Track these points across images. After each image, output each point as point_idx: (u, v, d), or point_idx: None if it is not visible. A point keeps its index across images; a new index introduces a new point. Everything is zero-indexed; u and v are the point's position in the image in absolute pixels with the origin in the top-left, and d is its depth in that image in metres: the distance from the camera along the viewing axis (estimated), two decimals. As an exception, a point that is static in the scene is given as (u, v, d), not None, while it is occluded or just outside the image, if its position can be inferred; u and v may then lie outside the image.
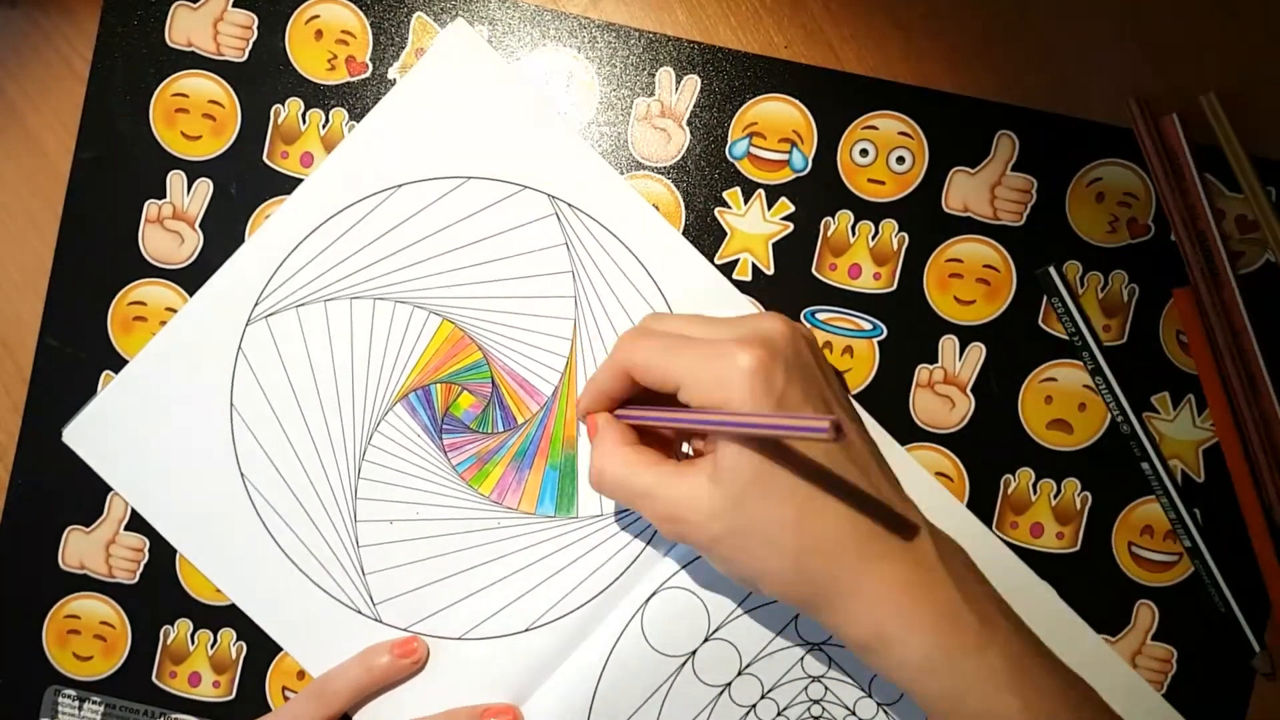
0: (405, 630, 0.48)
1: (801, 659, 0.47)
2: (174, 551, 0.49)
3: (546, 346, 0.48)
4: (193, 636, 0.49)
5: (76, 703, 0.49)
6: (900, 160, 0.48)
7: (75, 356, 0.49)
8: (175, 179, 0.49)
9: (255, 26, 0.49)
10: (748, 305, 0.48)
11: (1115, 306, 0.48)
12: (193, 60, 0.49)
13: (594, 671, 0.47)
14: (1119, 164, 0.48)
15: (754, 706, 0.47)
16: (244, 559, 0.48)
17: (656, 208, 0.48)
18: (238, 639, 0.49)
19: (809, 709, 0.47)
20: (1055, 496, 0.48)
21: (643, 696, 0.47)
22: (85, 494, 0.49)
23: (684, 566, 0.48)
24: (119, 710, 0.49)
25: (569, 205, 0.48)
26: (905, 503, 0.42)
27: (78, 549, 0.49)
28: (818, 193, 0.48)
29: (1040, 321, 0.48)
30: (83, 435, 0.48)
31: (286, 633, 0.48)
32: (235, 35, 0.49)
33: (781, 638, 0.47)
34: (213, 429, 0.48)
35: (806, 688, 0.47)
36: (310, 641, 0.48)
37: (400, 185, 0.48)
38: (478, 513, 0.48)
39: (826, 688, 0.47)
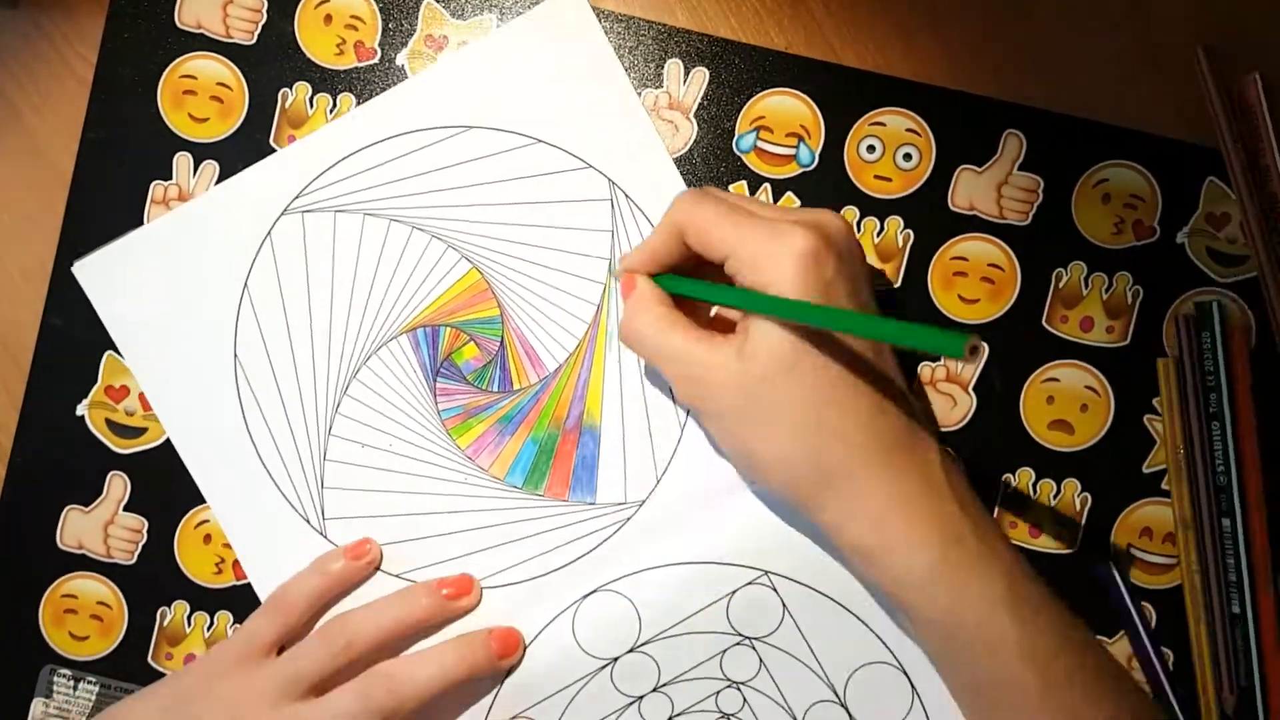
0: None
1: (718, 693, 0.47)
2: (173, 533, 0.49)
3: (563, 323, 0.48)
4: (189, 618, 0.49)
5: (72, 683, 0.49)
6: (907, 157, 0.48)
7: (78, 336, 0.49)
8: (182, 160, 0.49)
9: (265, 9, 0.49)
10: None
11: (1119, 308, 0.48)
12: (202, 42, 0.49)
13: None
14: (1126, 165, 0.48)
15: None
16: (214, 436, 0.48)
17: (662, 199, 0.48)
18: (234, 622, 0.49)
19: None
20: (1055, 497, 0.48)
21: (554, 689, 0.47)
22: (84, 474, 0.49)
23: (630, 575, 0.47)
24: (114, 691, 0.49)
25: (626, 197, 0.48)
26: (918, 419, 0.42)
27: (76, 529, 0.49)
28: (824, 188, 0.48)
29: (1044, 321, 0.48)
30: (93, 273, 0.48)
31: (234, 522, 0.48)
32: (245, 18, 0.49)
33: (705, 666, 0.47)
34: (220, 303, 0.48)
35: None
36: (254, 538, 0.48)
37: (471, 127, 0.48)
38: (448, 463, 0.48)
39: None
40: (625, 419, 0.48)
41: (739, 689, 0.47)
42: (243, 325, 0.48)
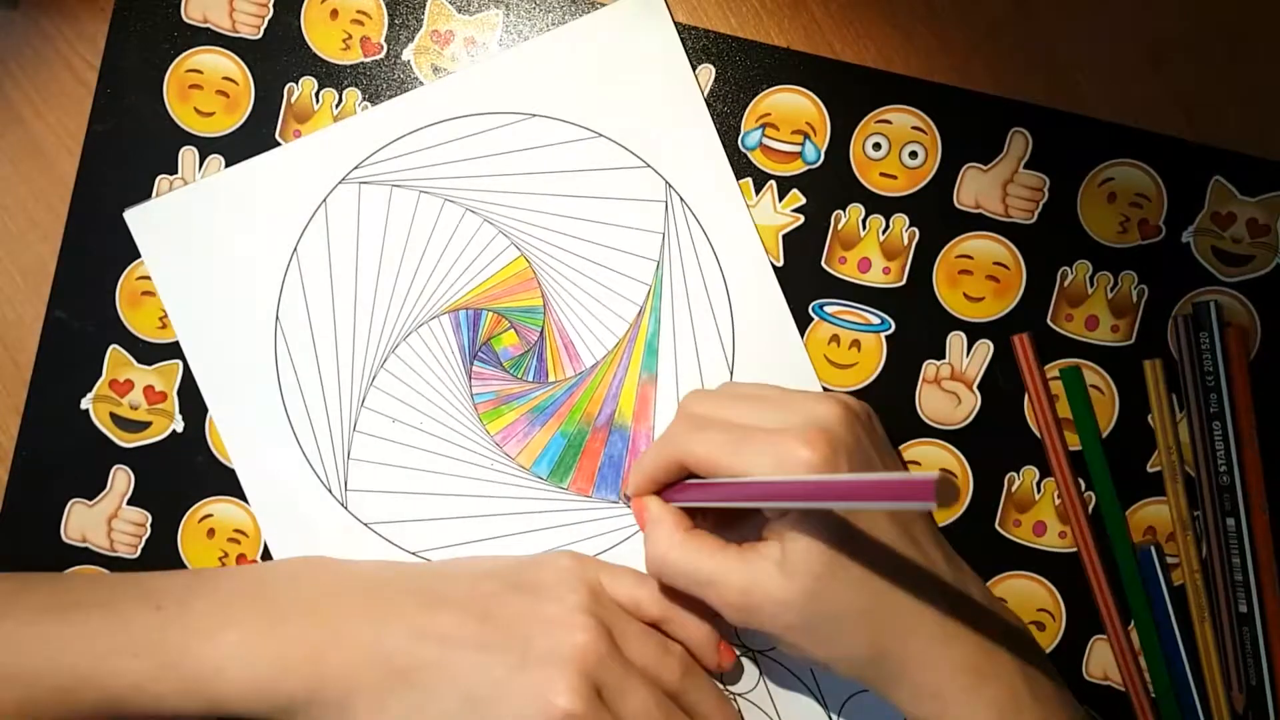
0: (367, 525, 0.48)
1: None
2: (176, 527, 0.49)
3: (605, 320, 0.48)
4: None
5: (75, 676, 0.49)
6: (913, 155, 0.48)
7: (83, 330, 0.49)
8: (187, 155, 0.49)
9: (271, 4, 0.49)
10: (807, 365, 0.48)
11: (1124, 307, 0.48)
12: (208, 36, 0.49)
13: None
14: (1132, 164, 0.48)
15: None
16: (247, 396, 0.48)
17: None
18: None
19: None
20: (1058, 496, 0.48)
21: None
22: (89, 467, 0.49)
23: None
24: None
25: (682, 201, 0.48)
26: (963, 574, 0.43)
27: (80, 522, 0.49)
28: (829, 185, 0.48)
29: (1049, 320, 0.48)
30: (145, 220, 0.48)
31: (256, 485, 0.48)
32: (251, 13, 0.49)
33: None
34: (268, 265, 0.48)
35: None
36: (274, 503, 0.48)
37: (534, 115, 0.48)
38: (477, 448, 0.48)
39: None
40: (657, 422, 0.48)
41: (735, 699, 0.47)
42: (288, 289, 0.48)
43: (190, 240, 0.48)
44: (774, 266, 0.48)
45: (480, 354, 0.48)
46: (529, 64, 0.48)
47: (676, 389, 0.48)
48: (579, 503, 0.48)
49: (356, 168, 0.48)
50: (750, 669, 0.47)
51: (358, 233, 0.48)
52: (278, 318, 0.48)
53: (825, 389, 0.48)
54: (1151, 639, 0.47)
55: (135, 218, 0.48)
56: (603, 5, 0.48)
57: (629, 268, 0.48)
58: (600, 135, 0.48)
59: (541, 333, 0.48)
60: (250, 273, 0.48)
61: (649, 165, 0.48)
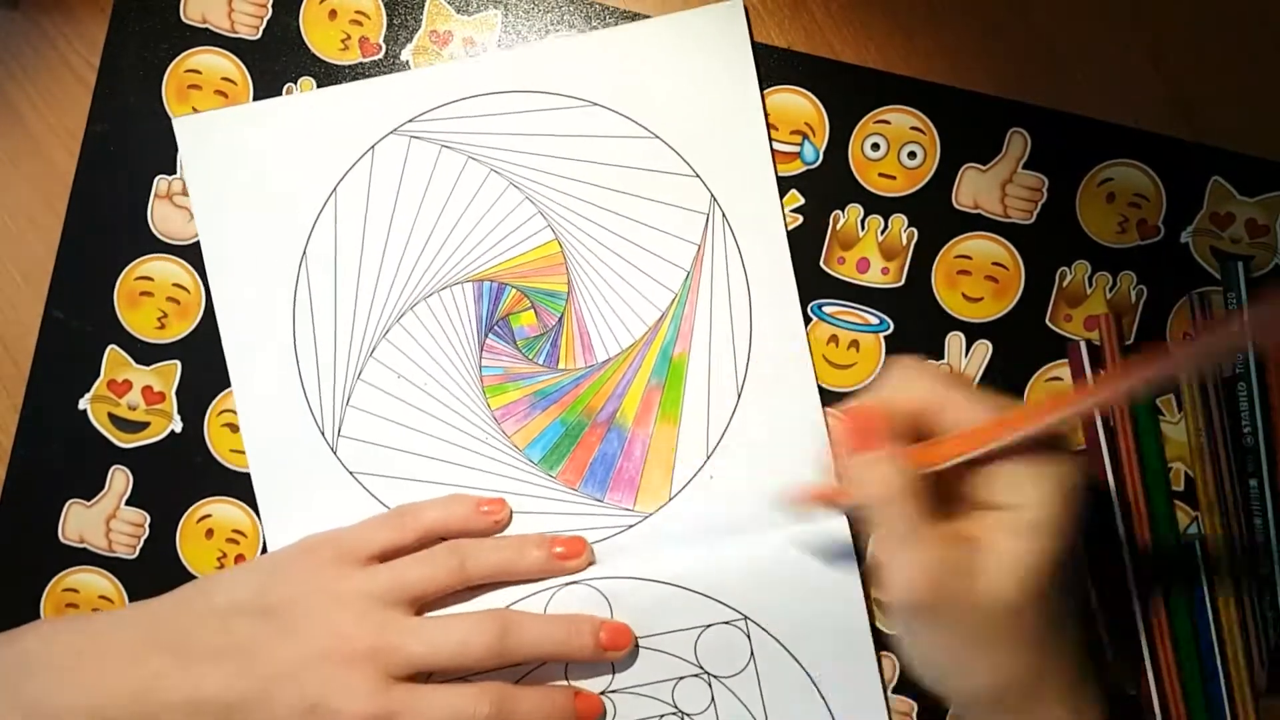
0: (351, 473, 0.48)
1: (661, 717, 0.47)
2: (175, 528, 0.49)
3: (626, 320, 0.48)
4: None
5: (72, 676, 0.49)
6: (912, 155, 0.48)
7: (81, 330, 0.49)
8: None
9: (270, 5, 0.49)
10: (817, 410, 0.48)
11: (1123, 308, 0.48)
12: (207, 37, 0.49)
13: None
14: (1130, 165, 0.48)
15: None
16: (260, 323, 0.48)
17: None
18: None
19: None
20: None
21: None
22: (87, 467, 0.49)
23: (613, 577, 0.47)
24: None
25: (724, 218, 0.48)
26: (1083, 652, 0.41)
27: (78, 523, 0.49)
28: (828, 186, 0.48)
29: (1048, 320, 0.48)
30: (192, 132, 0.48)
31: (250, 413, 0.48)
32: (250, 13, 0.49)
33: (658, 688, 0.46)
34: (306, 199, 0.48)
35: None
36: (265, 434, 0.48)
37: (595, 104, 0.48)
38: (475, 420, 0.48)
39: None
40: (656, 431, 0.48)
41: (683, 719, 0.47)
42: (320, 226, 0.48)
43: (233, 160, 0.48)
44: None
45: (496, 328, 0.48)
46: (602, 51, 0.48)
47: (681, 402, 0.48)
48: (564, 494, 0.48)
49: (410, 121, 0.48)
50: (703, 692, 0.47)
51: (399, 185, 0.48)
52: (305, 253, 0.48)
53: (821, 389, 0.48)
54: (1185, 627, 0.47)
55: (183, 127, 0.48)
56: (623, 11, 0.48)
57: (659, 272, 0.48)
58: (656, 137, 0.48)
59: (560, 319, 0.48)
60: (287, 204, 0.48)
61: (698, 176, 0.48)
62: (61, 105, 0.49)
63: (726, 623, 0.46)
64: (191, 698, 0.42)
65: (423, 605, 0.45)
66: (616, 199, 0.48)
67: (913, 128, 0.48)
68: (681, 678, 0.47)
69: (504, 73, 0.48)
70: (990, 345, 0.48)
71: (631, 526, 0.48)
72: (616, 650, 0.46)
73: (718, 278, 0.48)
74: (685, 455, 0.48)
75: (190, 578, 0.49)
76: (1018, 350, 0.48)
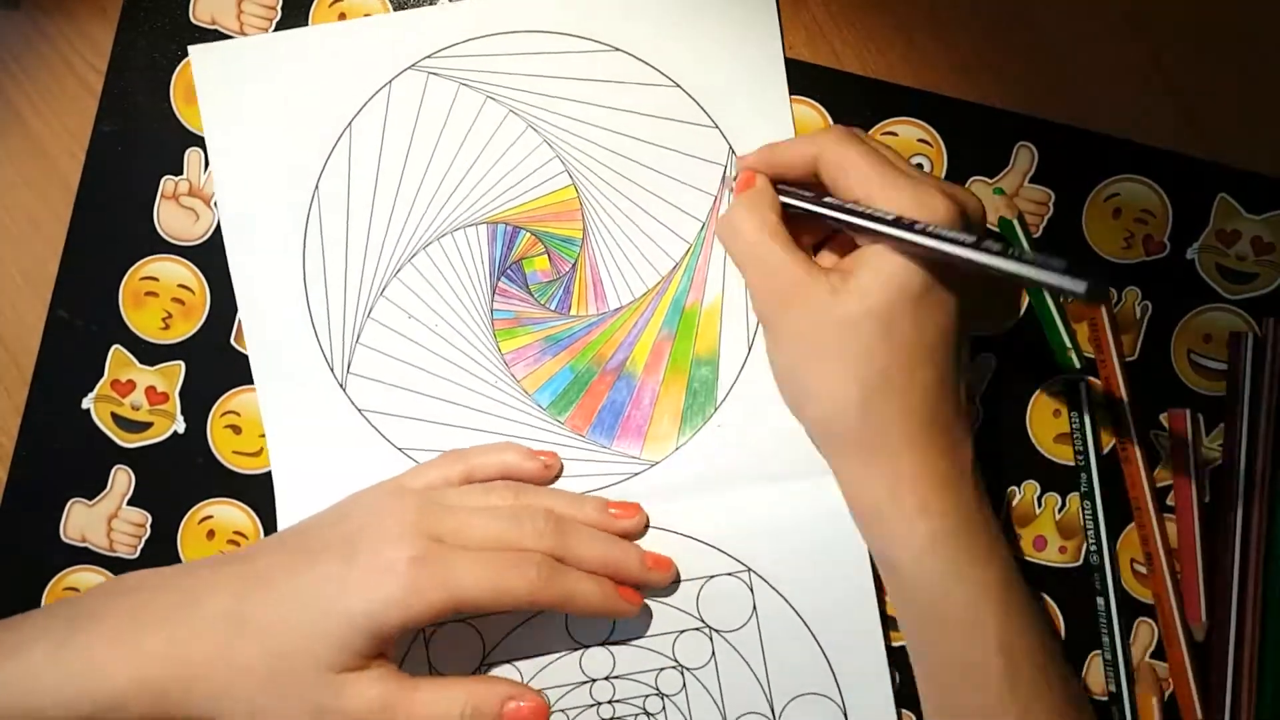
0: (360, 410, 0.48)
1: (660, 670, 0.46)
2: (176, 528, 0.49)
3: (639, 269, 0.48)
4: None
5: (72, 675, 0.49)
6: (919, 167, 0.48)
7: (86, 329, 0.49)
8: (193, 156, 0.49)
9: (279, 6, 0.49)
10: None
11: (1128, 323, 0.48)
12: (215, 38, 0.49)
13: None
14: (1137, 180, 0.48)
15: None
16: (270, 258, 0.48)
17: (673, 205, 0.48)
18: None
19: (597, 711, 0.47)
20: (1060, 510, 0.48)
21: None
22: (89, 467, 0.49)
23: None
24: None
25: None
26: (966, 411, 0.42)
27: (80, 522, 0.49)
28: (835, 196, 0.48)
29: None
30: (207, 59, 0.48)
31: (260, 346, 0.48)
32: (259, 14, 0.49)
33: (658, 640, 0.46)
34: (320, 133, 0.48)
35: (591, 690, 0.47)
36: (273, 369, 0.48)
37: (619, 49, 0.48)
38: (485, 362, 0.48)
39: (614, 688, 0.46)
40: (666, 380, 0.48)
41: (683, 673, 0.47)
42: (333, 161, 0.48)
43: (248, 89, 0.48)
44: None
45: (509, 271, 0.48)
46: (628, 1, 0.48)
47: (691, 351, 0.48)
48: (572, 439, 0.48)
49: (429, 57, 0.48)
50: (704, 646, 0.47)
51: (415, 122, 0.48)
52: (317, 187, 0.48)
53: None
54: None
55: (199, 55, 0.48)
56: None
57: (674, 222, 0.48)
58: (678, 85, 0.48)
59: (574, 265, 0.48)
60: (301, 136, 0.48)
61: (717, 127, 0.48)
62: (63, 106, 0.49)
63: (729, 574, 0.46)
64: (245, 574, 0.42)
65: None
66: (634, 146, 0.48)
67: (920, 140, 0.48)
68: (682, 631, 0.47)
69: (527, 11, 0.48)
70: (994, 358, 0.48)
71: (638, 474, 0.48)
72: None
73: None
74: (696, 405, 0.48)
75: None
76: (1021, 364, 0.48)
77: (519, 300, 0.48)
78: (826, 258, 0.45)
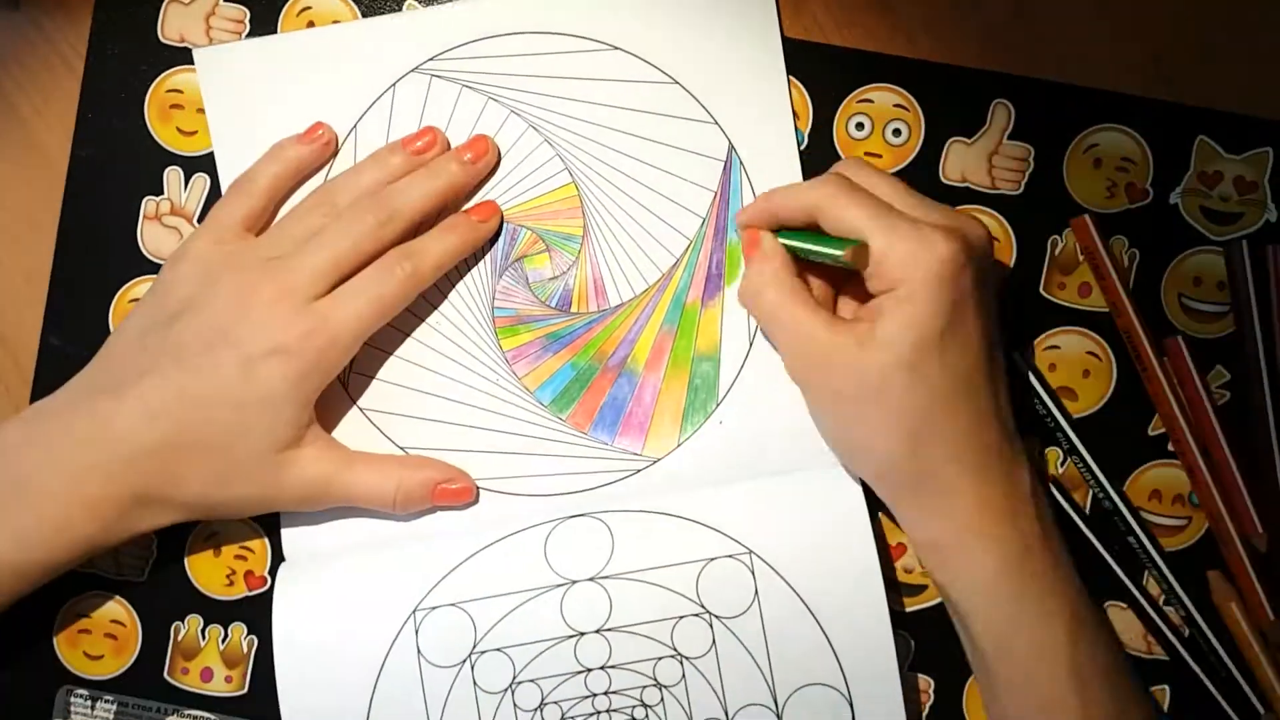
0: (363, 411, 0.48)
1: (659, 659, 0.45)
2: (183, 548, 0.49)
3: (640, 266, 0.48)
4: (203, 632, 0.49)
5: (89, 702, 0.49)
6: (896, 133, 0.48)
7: (78, 355, 0.48)
8: (172, 175, 0.49)
9: (247, 20, 0.49)
10: None
11: (1117, 271, 0.48)
12: (186, 56, 0.49)
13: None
14: (1115, 129, 0.48)
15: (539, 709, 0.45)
16: None
17: (654, 188, 0.48)
18: (248, 633, 0.49)
19: (593, 702, 0.45)
20: (1061, 465, 0.48)
21: (504, 590, 0.45)
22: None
23: (619, 510, 0.46)
24: (131, 708, 0.48)
25: (741, 165, 0.48)
26: (1015, 431, 0.43)
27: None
28: (815, 168, 0.48)
29: (1042, 289, 0.48)
30: (211, 63, 0.48)
31: None
32: (227, 29, 0.49)
33: (656, 628, 0.45)
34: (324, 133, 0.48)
35: (586, 680, 0.45)
36: None
37: (617, 48, 0.48)
38: (486, 359, 0.48)
39: (610, 678, 0.45)
40: (668, 376, 0.48)
41: (681, 662, 0.45)
42: (339, 164, 0.48)
43: (253, 92, 0.48)
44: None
45: (510, 270, 0.48)
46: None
47: (692, 348, 0.48)
48: (573, 436, 0.48)
49: (431, 59, 0.48)
50: (704, 634, 0.45)
51: (419, 124, 0.48)
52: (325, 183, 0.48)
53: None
54: None
55: (203, 59, 0.48)
56: None
57: (676, 219, 0.48)
58: (676, 82, 0.48)
59: (574, 262, 0.48)
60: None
61: (717, 123, 0.48)
62: (63, 106, 0.49)
63: (730, 556, 0.45)
64: (143, 415, 0.42)
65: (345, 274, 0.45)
66: (635, 144, 0.48)
67: (896, 105, 0.48)
68: (681, 617, 0.45)
69: (526, 13, 0.48)
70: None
71: (640, 471, 0.48)
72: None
73: (733, 225, 0.48)
74: (698, 402, 0.48)
75: (201, 597, 0.49)
76: (1014, 320, 0.48)
77: (520, 298, 0.48)
78: (846, 306, 0.45)
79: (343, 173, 0.47)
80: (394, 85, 0.48)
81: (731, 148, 0.48)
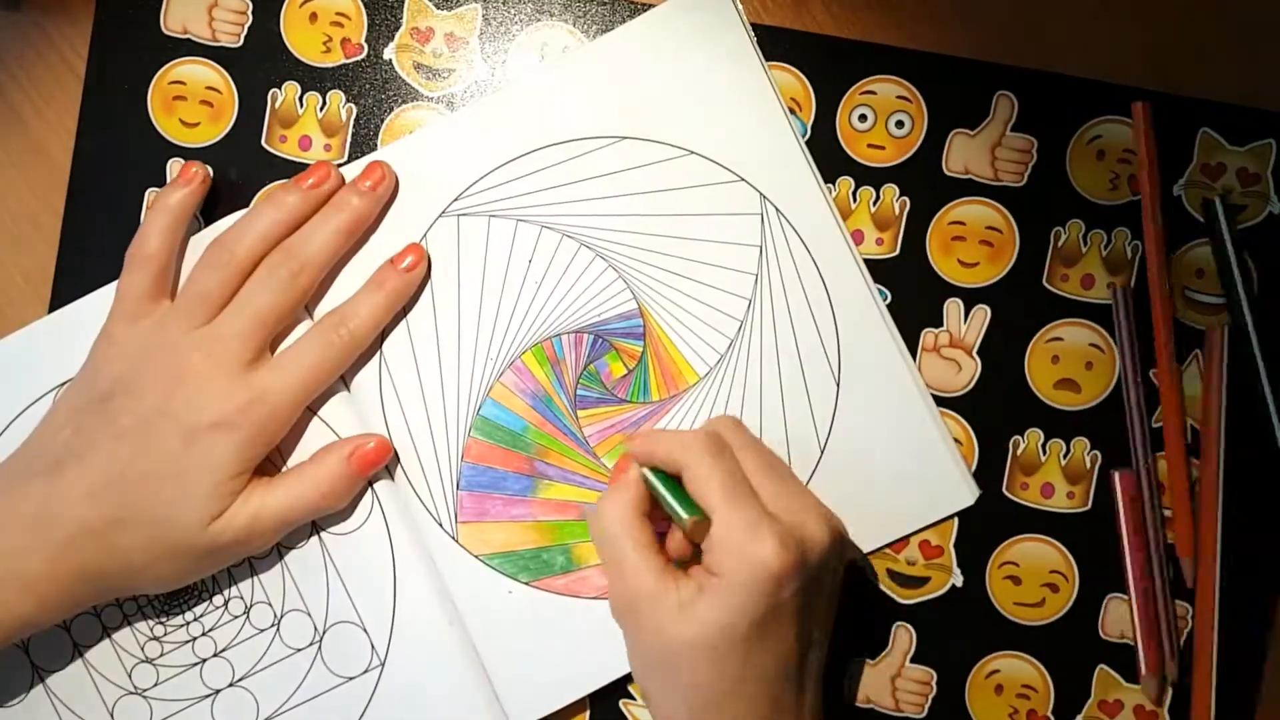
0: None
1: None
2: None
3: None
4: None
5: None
6: (899, 124, 0.48)
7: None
8: (175, 167, 0.49)
9: (250, 11, 0.49)
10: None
11: (1119, 264, 0.48)
12: (189, 47, 0.49)
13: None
14: (1118, 121, 0.48)
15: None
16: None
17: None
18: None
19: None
20: (1065, 456, 0.48)
21: None
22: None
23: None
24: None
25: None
26: (810, 706, 0.43)
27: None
28: (818, 159, 0.48)
29: (1044, 281, 0.48)
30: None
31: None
32: (230, 21, 0.49)
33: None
34: None
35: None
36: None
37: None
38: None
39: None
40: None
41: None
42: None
43: None
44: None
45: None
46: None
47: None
48: None
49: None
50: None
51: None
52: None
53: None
54: None
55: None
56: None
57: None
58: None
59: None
60: None
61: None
62: (63, 106, 0.49)
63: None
64: (85, 495, 0.42)
65: (275, 339, 0.46)
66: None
67: (899, 96, 0.48)
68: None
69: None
70: (989, 309, 0.48)
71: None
72: (379, 184, 0.47)
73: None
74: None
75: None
76: (1017, 312, 0.48)
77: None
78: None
79: (239, 219, 0.46)
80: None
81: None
